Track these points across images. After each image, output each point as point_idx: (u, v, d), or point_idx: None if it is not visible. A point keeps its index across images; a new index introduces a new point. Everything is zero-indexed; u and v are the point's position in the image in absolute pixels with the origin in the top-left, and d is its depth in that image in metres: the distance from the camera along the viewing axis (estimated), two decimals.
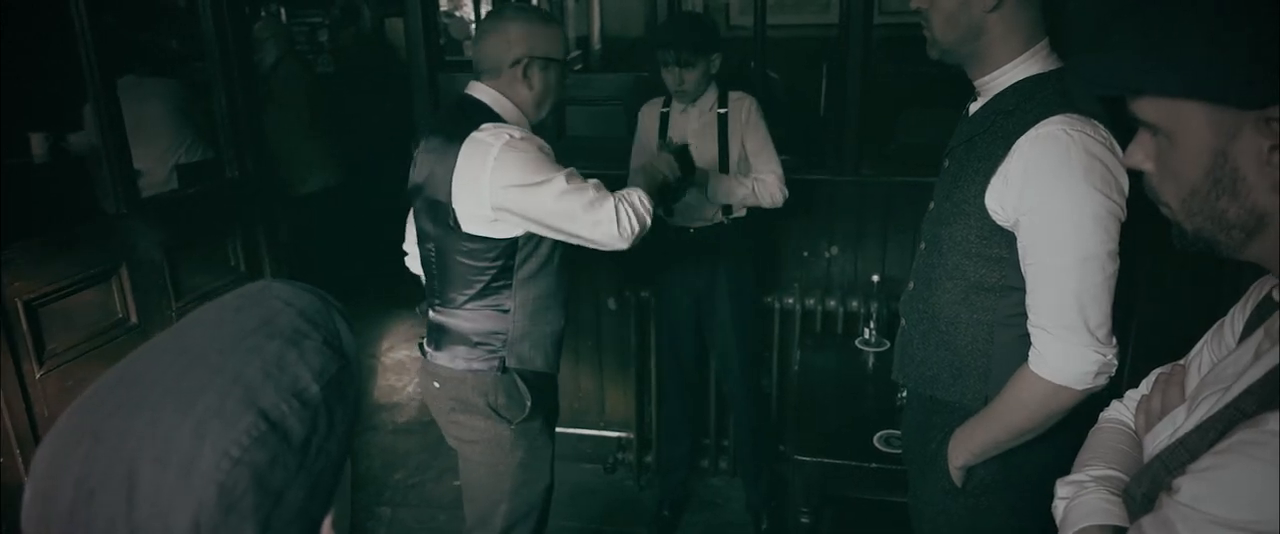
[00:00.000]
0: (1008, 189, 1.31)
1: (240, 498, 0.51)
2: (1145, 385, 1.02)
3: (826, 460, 2.10)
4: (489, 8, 4.27)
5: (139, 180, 3.26)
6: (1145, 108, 0.74)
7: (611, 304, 3.04)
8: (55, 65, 1.64)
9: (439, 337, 1.85)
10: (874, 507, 2.07)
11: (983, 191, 1.36)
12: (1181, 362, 0.97)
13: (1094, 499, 0.91)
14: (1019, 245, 1.35)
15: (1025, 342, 1.36)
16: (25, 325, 1.52)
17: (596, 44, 5.21)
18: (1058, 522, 0.96)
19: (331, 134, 4.39)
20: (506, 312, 1.77)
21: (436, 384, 1.85)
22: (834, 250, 2.86)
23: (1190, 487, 0.66)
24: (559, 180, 1.64)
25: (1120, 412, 1.06)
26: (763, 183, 2.50)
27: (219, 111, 2.06)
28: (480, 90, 1.78)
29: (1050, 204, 1.25)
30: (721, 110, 2.53)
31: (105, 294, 1.68)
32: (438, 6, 4.98)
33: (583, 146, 2.98)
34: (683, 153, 2.26)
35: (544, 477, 1.92)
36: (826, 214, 2.84)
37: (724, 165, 2.53)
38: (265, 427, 0.53)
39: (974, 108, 1.46)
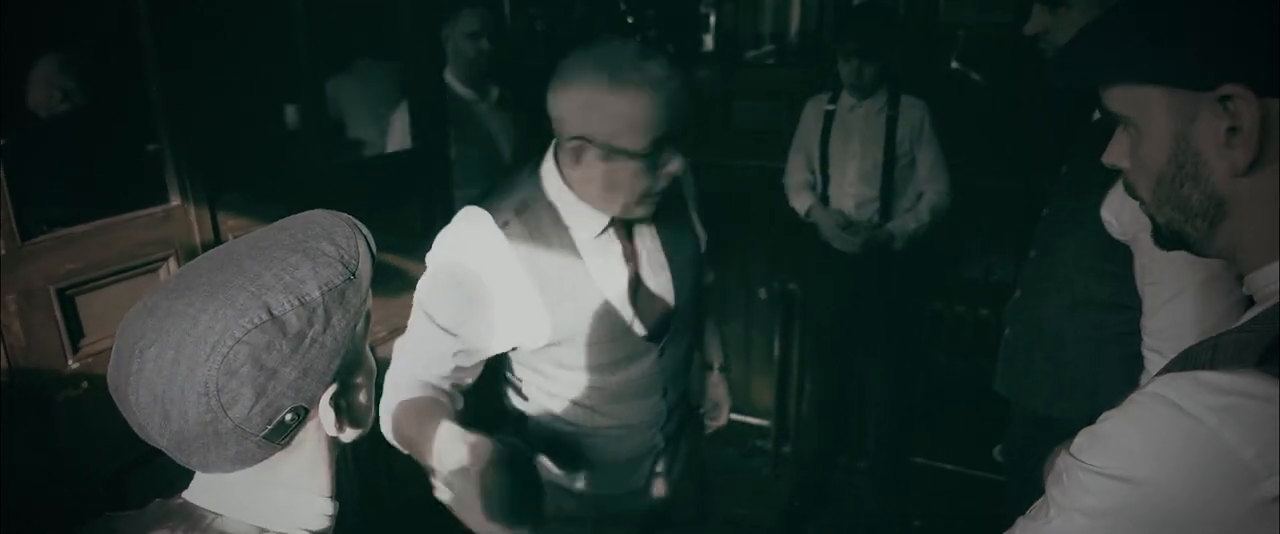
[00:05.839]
0: (1126, 202, 1.26)
1: (239, 367, 0.68)
2: None
3: (942, 466, 2.07)
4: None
5: (364, 150, 3.76)
6: (1115, 99, 0.75)
7: (762, 294, 3.10)
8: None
9: None
10: (989, 519, 2.01)
11: (1099, 202, 1.31)
12: None
13: None
14: (1136, 263, 1.29)
15: (1136, 362, 1.30)
16: None
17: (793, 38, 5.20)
18: None
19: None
20: None
21: None
22: (993, 258, 2.74)
23: (1079, 440, 0.72)
24: (416, 314, 1.33)
25: None
26: (929, 205, 2.48)
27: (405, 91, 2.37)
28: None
29: None
30: (890, 113, 2.51)
31: None
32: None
33: (746, 139, 3.06)
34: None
35: None
36: (990, 221, 2.73)
37: (889, 169, 2.52)
38: (266, 317, 0.70)
39: (1099, 113, 1.41)
